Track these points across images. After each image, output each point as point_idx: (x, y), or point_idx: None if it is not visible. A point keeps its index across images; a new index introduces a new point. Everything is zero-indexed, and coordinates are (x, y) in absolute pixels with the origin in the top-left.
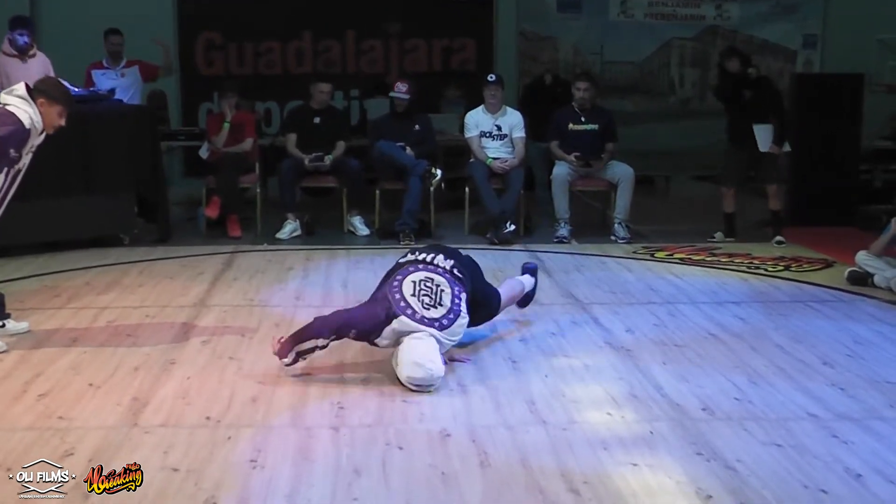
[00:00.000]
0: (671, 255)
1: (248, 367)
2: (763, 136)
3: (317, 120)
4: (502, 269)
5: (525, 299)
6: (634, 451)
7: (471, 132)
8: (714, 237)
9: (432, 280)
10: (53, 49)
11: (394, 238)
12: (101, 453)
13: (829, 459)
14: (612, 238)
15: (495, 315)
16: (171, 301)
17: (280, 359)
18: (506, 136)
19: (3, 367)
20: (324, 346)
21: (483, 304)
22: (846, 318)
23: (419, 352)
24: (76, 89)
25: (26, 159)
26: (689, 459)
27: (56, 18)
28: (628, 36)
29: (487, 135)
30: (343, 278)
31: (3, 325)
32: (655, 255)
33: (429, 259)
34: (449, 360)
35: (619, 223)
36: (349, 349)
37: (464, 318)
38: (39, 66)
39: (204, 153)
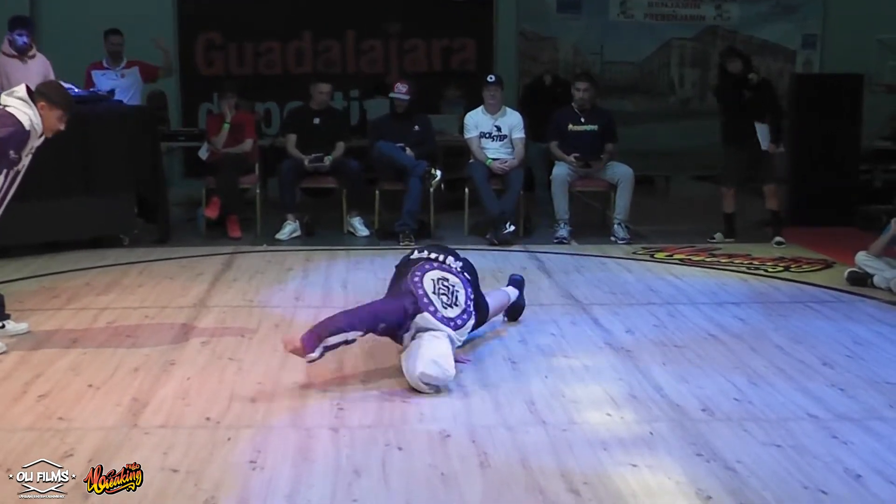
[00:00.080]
0: (671, 255)
1: (247, 368)
2: (764, 134)
3: (316, 120)
4: (502, 269)
5: (513, 312)
6: (634, 451)
7: (470, 133)
8: (714, 238)
9: (447, 280)
10: (53, 49)
11: (393, 239)
12: (100, 454)
13: (829, 460)
14: (612, 239)
15: (484, 323)
16: (171, 302)
17: (305, 353)
18: (505, 136)
19: (3, 368)
20: (352, 341)
21: (480, 309)
22: (846, 319)
23: (439, 350)
24: (76, 90)
25: (26, 161)
26: (689, 460)
27: (56, 18)
28: (628, 36)
29: (487, 135)
30: (343, 279)
31: (3, 326)
32: (655, 256)
33: (441, 258)
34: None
35: (619, 224)
36: (349, 349)
37: (473, 320)
38: (39, 66)
39: (204, 154)
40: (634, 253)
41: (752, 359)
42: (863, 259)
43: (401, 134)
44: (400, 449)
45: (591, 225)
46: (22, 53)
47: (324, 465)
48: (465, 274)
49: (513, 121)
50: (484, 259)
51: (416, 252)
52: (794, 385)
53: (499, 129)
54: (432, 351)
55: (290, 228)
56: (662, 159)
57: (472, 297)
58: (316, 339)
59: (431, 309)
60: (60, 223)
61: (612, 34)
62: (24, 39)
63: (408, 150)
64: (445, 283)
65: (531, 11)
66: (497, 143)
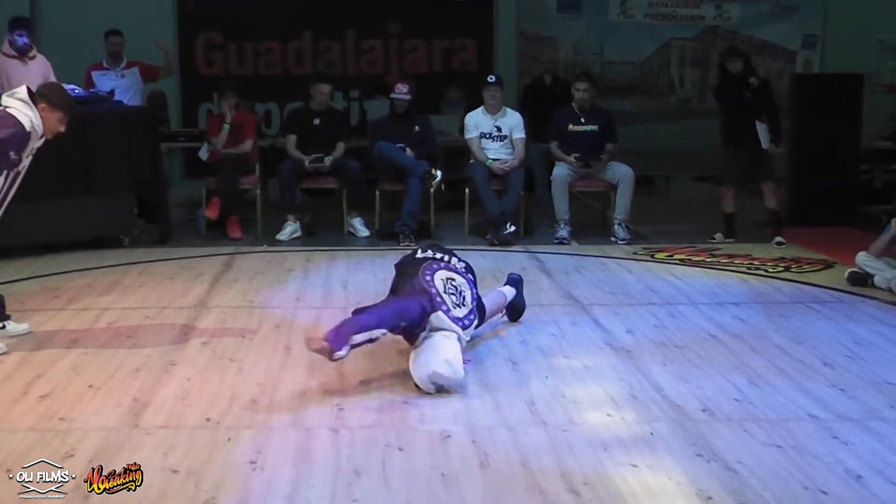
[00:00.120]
0: (671, 256)
1: (248, 369)
2: (764, 133)
3: (317, 121)
4: (502, 270)
5: (514, 312)
6: (634, 451)
7: (470, 133)
8: (714, 238)
9: (455, 279)
10: (53, 50)
11: (394, 239)
12: (101, 454)
13: (830, 460)
14: (612, 239)
15: (481, 324)
16: (172, 302)
17: (333, 351)
18: (506, 137)
19: (4, 369)
20: (376, 339)
21: (480, 310)
22: (846, 319)
23: (452, 351)
24: (76, 90)
25: (26, 162)
26: (690, 460)
27: (56, 19)
28: (628, 36)
29: (487, 136)
30: (343, 279)
31: (4, 327)
32: (655, 256)
33: (447, 259)
34: None
35: (619, 224)
36: None
37: (477, 320)
38: (40, 67)
39: (204, 154)
40: (635, 253)
41: (752, 359)
42: (863, 259)
43: (401, 134)
44: (400, 449)
45: (591, 225)
46: (22, 54)
47: (324, 465)
48: (469, 274)
49: (513, 121)
50: (484, 259)
51: (419, 251)
52: (794, 385)
53: (499, 129)
54: (446, 351)
55: (290, 229)
56: (662, 159)
57: (476, 297)
58: (343, 337)
59: (444, 308)
60: (61, 224)
61: (612, 34)
62: (25, 40)
63: (408, 151)
64: (453, 283)
65: (531, 11)
66: (497, 144)
